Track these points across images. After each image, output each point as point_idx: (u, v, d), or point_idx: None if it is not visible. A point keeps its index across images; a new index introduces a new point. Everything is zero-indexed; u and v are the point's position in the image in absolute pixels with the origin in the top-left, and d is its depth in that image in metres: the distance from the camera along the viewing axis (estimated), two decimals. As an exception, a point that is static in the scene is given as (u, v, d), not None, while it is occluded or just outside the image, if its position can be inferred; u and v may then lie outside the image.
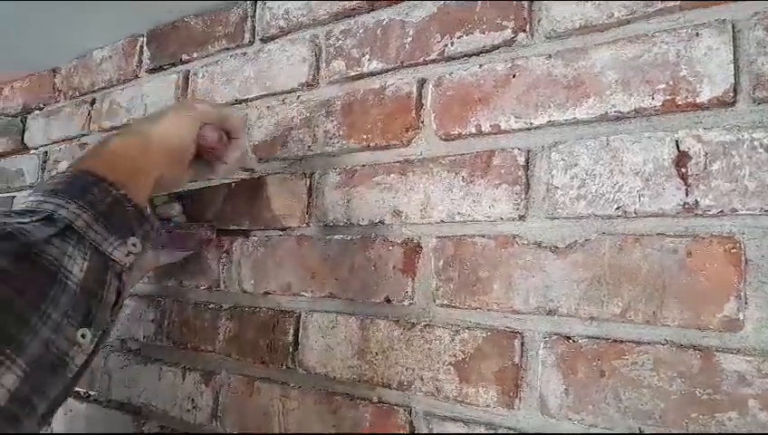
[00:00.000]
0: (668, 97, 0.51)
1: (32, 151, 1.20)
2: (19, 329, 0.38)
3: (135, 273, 0.52)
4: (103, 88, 1.06)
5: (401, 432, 0.61)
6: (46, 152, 1.16)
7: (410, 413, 0.61)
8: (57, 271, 0.41)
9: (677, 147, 0.50)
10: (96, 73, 1.08)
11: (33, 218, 0.42)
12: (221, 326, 0.79)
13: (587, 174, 0.54)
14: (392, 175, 0.66)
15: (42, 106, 1.19)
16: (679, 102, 0.50)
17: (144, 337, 0.90)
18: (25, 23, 0.99)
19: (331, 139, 0.73)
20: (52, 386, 0.41)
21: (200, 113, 0.60)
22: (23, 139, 1.22)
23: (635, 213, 0.51)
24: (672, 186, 0.49)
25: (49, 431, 0.94)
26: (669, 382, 0.48)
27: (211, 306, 0.81)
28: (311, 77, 0.76)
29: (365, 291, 0.67)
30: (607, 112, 0.53)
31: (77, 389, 0.95)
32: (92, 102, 1.07)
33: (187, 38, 0.92)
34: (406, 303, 0.63)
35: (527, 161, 0.57)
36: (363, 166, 0.69)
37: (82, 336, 0.42)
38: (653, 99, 0.51)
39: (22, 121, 1.24)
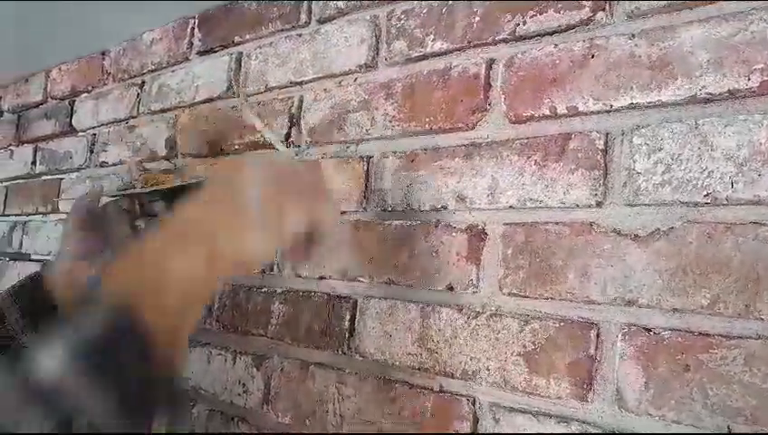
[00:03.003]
0: (766, 78, 0.48)
1: (79, 134, 1.21)
2: None
3: None
4: (153, 70, 1.06)
5: (464, 422, 0.59)
6: (95, 135, 1.17)
7: (474, 403, 0.59)
8: None
9: (777, 130, 0.47)
10: (146, 56, 1.08)
11: None
12: (274, 310, 0.79)
13: (672, 159, 0.51)
14: (456, 159, 0.65)
15: (90, 89, 1.20)
16: (779, 83, 0.47)
17: (193, 320, 0.89)
18: (76, 7, 0.99)
19: (390, 122, 0.71)
20: None
21: (287, 234, 0.49)
22: (71, 121, 1.23)
23: (726, 200, 0.48)
24: (770, 172, 0.47)
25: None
26: (763, 379, 0.45)
27: (264, 290, 0.80)
28: (369, 58, 0.74)
29: (426, 278, 0.65)
30: (696, 94, 0.51)
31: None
32: (142, 85, 1.07)
33: (239, 20, 0.91)
34: (470, 291, 0.62)
35: (606, 145, 0.55)
36: (425, 150, 0.68)
37: None
38: (749, 80, 0.48)
39: (70, 104, 1.25)
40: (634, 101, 0.54)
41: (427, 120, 0.68)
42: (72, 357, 0.33)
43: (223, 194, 0.48)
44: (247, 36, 0.90)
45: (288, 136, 0.81)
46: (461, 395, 0.60)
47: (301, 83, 0.82)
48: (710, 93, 0.50)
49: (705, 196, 0.49)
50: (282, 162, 0.59)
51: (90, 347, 0.34)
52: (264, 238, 0.46)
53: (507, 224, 0.60)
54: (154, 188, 0.75)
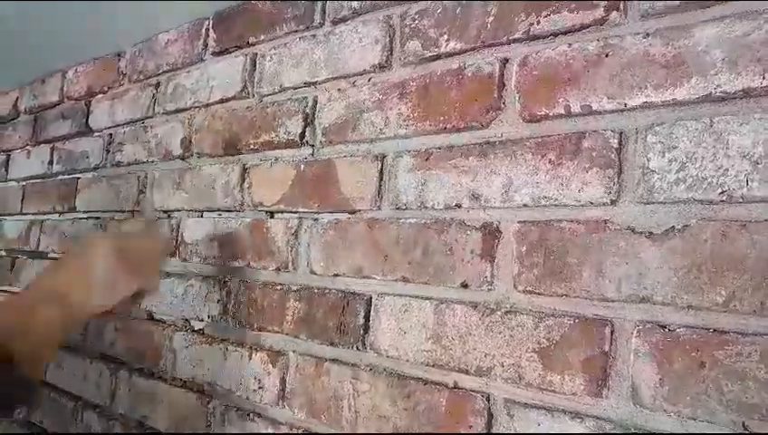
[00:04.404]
0: (781, 76, 0.48)
1: (96, 134, 1.23)
2: None
3: None
4: (168, 71, 1.07)
5: (478, 418, 0.60)
6: (111, 135, 1.18)
7: (488, 399, 0.60)
8: None
9: (792, 129, 0.47)
10: (161, 57, 1.09)
11: None
12: (289, 307, 0.80)
13: (687, 157, 0.52)
14: (471, 158, 0.65)
15: (106, 90, 1.22)
16: (795, 82, 0.47)
17: (209, 317, 0.91)
18: (92, 8, 1.01)
19: (404, 121, 0.72)
20: None
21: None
22: (87, 122, 1.25)
23: (742, 198, 0.49)
24: (785, 170, 0.47)
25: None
26: (778, 376, 0.45)
27: (279, 287, 0.82)
28: (383, 58, 0.75)
29: (440, 275, 0.66)
30: (711, 93, 0.51)
31: (140, 365, 0.97)
32: (157, 85, 1.09)
33: (254, 21, 0.92)
34: (484, 288, 0.62)
35: (620, 144, 0.55)
36: (439, 148, 0.68)
37: None
38: (764, 78, 0.48)
39: (86, 105, 1.27)
40: (648, 100, 0.54)
41: (441, 119, 0.68)
42: None
43: (78, 262, 0.69)
44: (262, 37, 0.91)
45: (302, 136, 0.82)
46: (475, 391, 0.61)
47: (315, 84, 0.83)
48: (725, 92, 0.50)
49: (720, 194, 0.50)
50: (130, 239, 0.77)
51: None
52: (102, 296, 0.67)
53: (521, 222, 0.60)
54: None
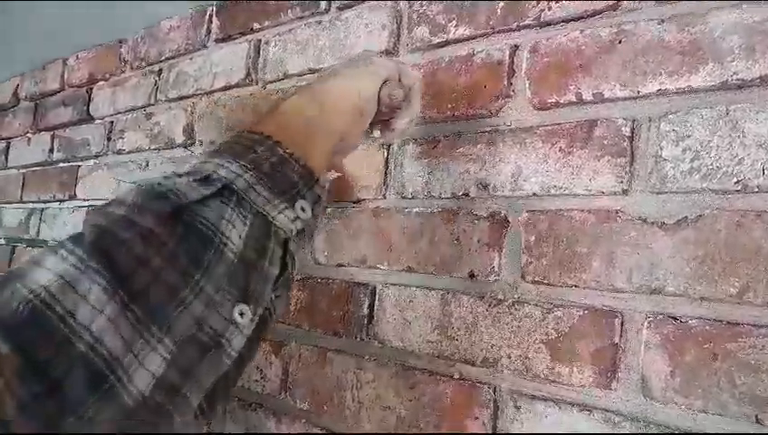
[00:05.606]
0: (800, 63, 0.47)
1: (97, 121, 1.22)
2: (168, 302, 0.32)
3: (304, 242, 0.43)
4: (171, 58, 1.06)
5: (485, 409, 0.59)
6: (112, 122, 1.17)
7: (495, 391, 0.59)
8: (213, 236, 0.35)
9: (811, 117, 0.46)
10: (163, 43, 1.08)
11: (191, 179, 0.36)
12: (292, 297, 0.79)
13: (702, 146, 0.50)
14: (479, 145, 0.64)
15: (108, 77, 1.21)
16: (814, 69, 0.46)
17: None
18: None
19: (411, 109, 0.71)
20: (205, 373, 0.34)
21: (382, 67, 0.52)
22: (88, 109, 1.24)
23: (757, 187, 0.47)
24: (803, 159, 0.46)
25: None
26: (793, 369, 0.44)
27: (282, 277, 0.81)
28: (391, 45, 0.74)
29: (446, 265, 0.65)
30: (727, 80, 0.50)
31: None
32: (159, 72, 1.08)
33: (258, 7, 0.91)
34: (491, 278, 0.61)
35: (632, 132, 0.54)
36: (447, 136, 0.67)
37: (240, 314, 0.35)
38: (782, 65, 0.47)
39: (87, 92, 1.25)
40: (662, 88, 0.53)
41: (449, 106, 0.67)
42: None
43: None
44: (266, 23, 0.89)
45: (307, 123, 0.81)
46: (482, 382, 0.60)
47: (320, 70, 0.81)
48: (741, 79, 0.49)
49: (735, 183, 0.48)
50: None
51: None
52: None
53: (530, 211, 0.59)
54: None
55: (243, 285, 0.36)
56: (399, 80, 0.53)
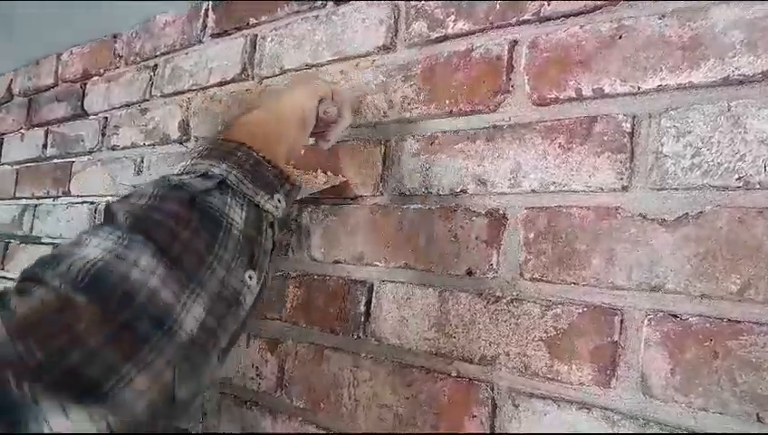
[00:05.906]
0: (803, 59, 0.46)
1: (91, 117, 1.21)
2: (199, 266, 0.40)
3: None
4: (166, 53, 1.05)
5: (482, 407, 0.59)
6: (106, 118, 1.16)
7: (492, 389, 0.59)
8: (221, 218, 0.43)
9: (813, 113, 0.45)
10: (158, 38, 1.07)
11: (192, 175, 0.45)
12: (288, 294, 0.78)
13: (703, 142, 0.50)
14: (477, 142, 0.63)
15: (102, 72, 1.19)
16: (817, 64, 0.46)
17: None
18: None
19: (409, 104, 0.70)
20: (231, 321, 0.43)
21: (319, 88, 0.64)
22: (82, 104, 1.23)
23: (759, 184, 0.47)
24: (805, 155, 0.45)
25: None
26: (794, 367, 0.44)
27: (278, 274, 0.80)
28: (388, 40, 0.73)
29: (444, 262, 0.64)
30: (728, 76, 0.49)
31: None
32: (155, 68, 1.07)
33: (254, 1, 0.90)
34: (489, 276, 0.61)
35: (633, 128, 0.54)
36: (445, 132, 0.67)
37: (249, 277, 0.44)
38: (784, 61, 0.47)
39: (81, 87, 1.24)
40: (663, 83, 0.52)
41: (448, 102, 0.66)
42: None
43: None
44: (263, 18, 0.88)
45: (304, 119, 0.80)
46: (479, 380, 0.60)
47: (317, 66, 0.81)
48: (743, 75, 0.49)
49: (736, 179, 0.48)
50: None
51: None
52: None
53: (529, 208, 0.59)
54: None
55: (249, 254, 0.45)
56: (333, 98, 0.65)
